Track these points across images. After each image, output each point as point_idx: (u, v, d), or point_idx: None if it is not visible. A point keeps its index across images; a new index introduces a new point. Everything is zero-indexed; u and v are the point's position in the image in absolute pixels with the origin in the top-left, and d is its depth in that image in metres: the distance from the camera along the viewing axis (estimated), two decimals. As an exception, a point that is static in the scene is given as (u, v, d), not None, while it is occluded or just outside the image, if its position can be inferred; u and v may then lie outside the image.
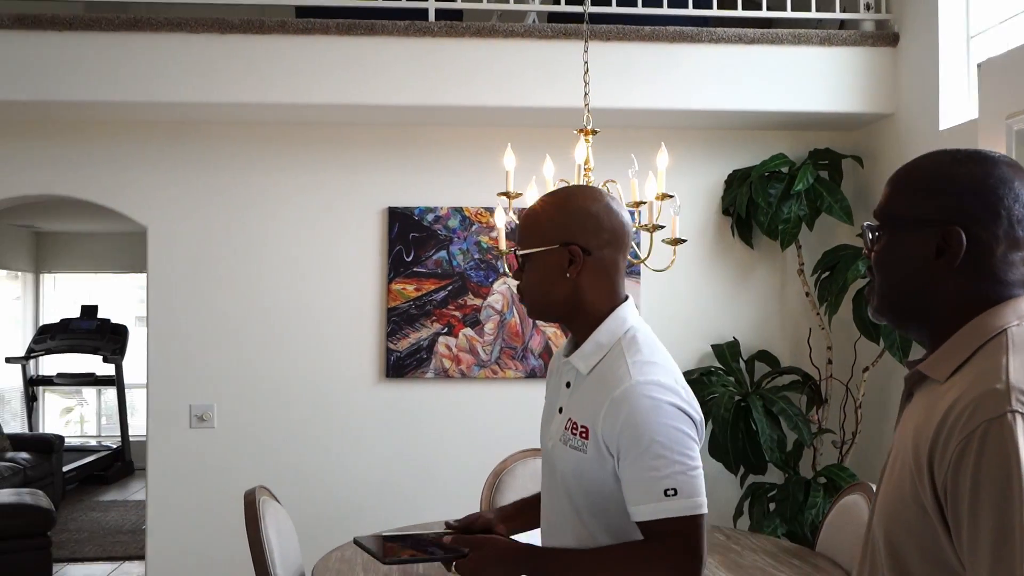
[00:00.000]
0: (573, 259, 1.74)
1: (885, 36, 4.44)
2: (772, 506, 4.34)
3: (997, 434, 1.06)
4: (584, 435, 1.69)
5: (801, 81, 4.38)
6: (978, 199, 1.21)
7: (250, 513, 2.80)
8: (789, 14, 4.46)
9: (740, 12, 4.43)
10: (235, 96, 4.16)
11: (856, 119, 4.59)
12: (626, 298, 1.80)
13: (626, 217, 1.80)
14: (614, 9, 4.33)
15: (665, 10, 4.35)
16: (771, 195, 4.47)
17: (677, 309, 4.73)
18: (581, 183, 2.78)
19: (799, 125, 4.69)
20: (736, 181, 4.68)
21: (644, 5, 4.37)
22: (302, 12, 4.40)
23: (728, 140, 4.76)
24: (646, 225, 2.85)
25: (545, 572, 1.73)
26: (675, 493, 1.62)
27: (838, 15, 4.50)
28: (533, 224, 1.80)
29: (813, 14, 4.51)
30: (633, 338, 1.74)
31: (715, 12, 4.43)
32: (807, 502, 4.13)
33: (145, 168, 4.52)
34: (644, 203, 2.85)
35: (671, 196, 2.82)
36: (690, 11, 4.38)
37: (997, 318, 1.20)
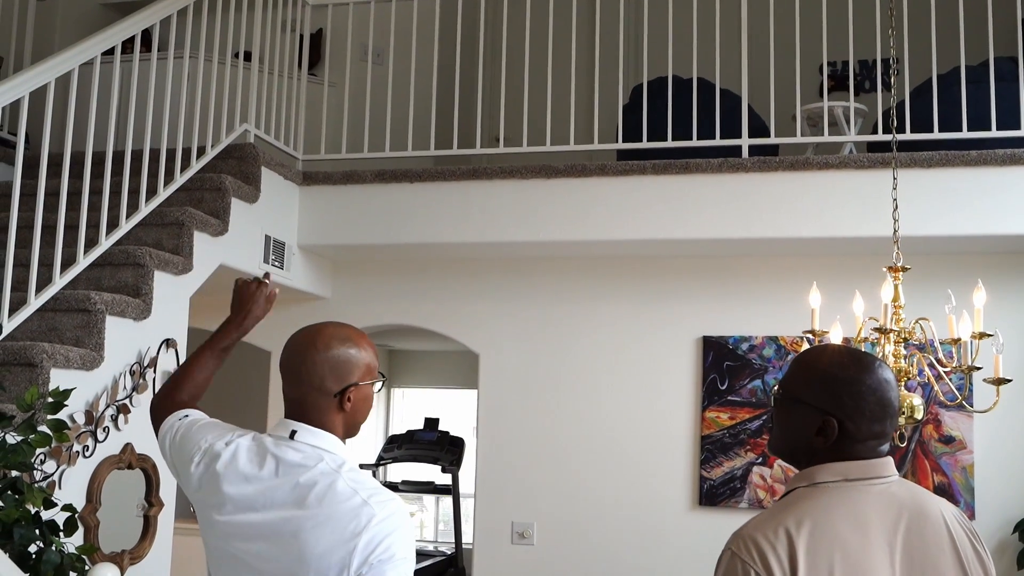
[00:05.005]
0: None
1: None
2: None
3: (721, 558, 1.53)
4: None
5: None
6: (850, 400, 1.58)
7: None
8: None
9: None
10: (559, 234, 4.50)
11: None
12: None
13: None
14: (934, 135, 4.21)
15: (994, 133, 4.18)
16: None
17: (1016, 449, 4.36)
18: (890, 324, 2.74)
19: None
20: (1086, 309, 4.30)
21: (969, 129, 4.22)
22: (623, 155, 4.70)
23: (1074, 265, 4.41)
24: (961, 367, 2.73)
25: None
26: None
27: None
28: None
29: None
30: None
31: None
32: None
33: (478, 301, 4.97)
34: (959, 341, 2.75)
35: (990, 335, 2.70)
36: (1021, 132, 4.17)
37: (816, 474, 1.58)
